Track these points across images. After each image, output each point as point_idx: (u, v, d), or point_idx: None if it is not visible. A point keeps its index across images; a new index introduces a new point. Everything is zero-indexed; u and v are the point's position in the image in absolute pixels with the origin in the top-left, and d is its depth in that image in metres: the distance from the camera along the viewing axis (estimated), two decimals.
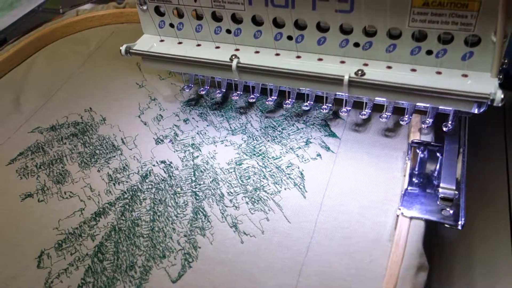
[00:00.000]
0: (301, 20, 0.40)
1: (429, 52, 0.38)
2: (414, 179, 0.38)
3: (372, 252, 0.35)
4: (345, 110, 0.44)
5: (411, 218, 0.35)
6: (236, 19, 0.43)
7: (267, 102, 0.46)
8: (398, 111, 0.43)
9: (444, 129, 0.40)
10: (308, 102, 0.46)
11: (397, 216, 0.36)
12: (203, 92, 0.49)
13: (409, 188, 0.37)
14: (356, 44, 0.39)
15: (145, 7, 0.45)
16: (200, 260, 0.36)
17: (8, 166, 0.45)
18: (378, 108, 0.44)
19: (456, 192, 0.36)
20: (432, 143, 0.40)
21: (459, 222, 0.34)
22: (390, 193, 0.38)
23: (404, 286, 0.31)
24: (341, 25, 0.39)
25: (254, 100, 0.47)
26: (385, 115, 0.42)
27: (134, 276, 0.35)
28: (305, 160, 0.43)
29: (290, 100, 0.46)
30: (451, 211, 0.35)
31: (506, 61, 0.37)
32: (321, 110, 0.46)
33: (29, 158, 0.46)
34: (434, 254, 0.38)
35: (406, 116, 0.42)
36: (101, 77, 0.56)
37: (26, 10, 0.67)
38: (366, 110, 0.43)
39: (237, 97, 0.47)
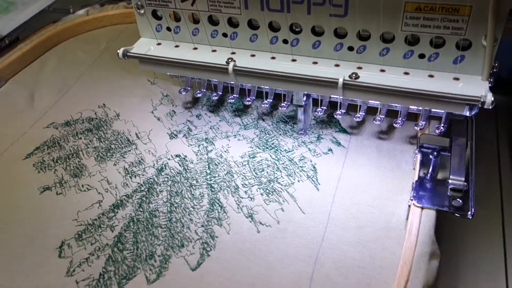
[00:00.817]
0: (297, 24, 0.41)
1: (422, 56, 0.38)
2: (424, 171, 0.39)
3: (385, 241, 0.36)
4: (340, 113, 0.44)
5: (422, 208, 0.36)
6: (232, 23, 0.43)
7: (262, 105, 0.47)
8: (392, 114, 0.44)
9: (437, 131, 0.41)
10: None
11: (409, 206, 0.37)
12: (200, 95, 0.50)
13: (419, 179, 0.38)
14: (350, 48, 0.40)
15: (142, 11, 0.45)
16: (218, 249, 0.37)
17: (25, 160, 0.46)
18: (372, 111, 0.44)
19: (465, 183, 0.37)
20: (440, 137, 0.41)
21: (469, 212, 0.36)
22: (400, 185, 0.40)
23: (418, 272, 0.32)
24: (336, 29, 0.39)
25: (250, 103, 0.47)
26: (379, 118, 0.43)
27: (154, 264, 0.36)
28: (317, 155, 0.44)
29: (285, 103, 0.46)
30: (461, 202, 0.36)
31: (496, 64, 0.38)
32: (316, 113, 0.46)
33: (46, 153, 0.47)
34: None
35: (399, 119, 0.42)
36: (112, 75, 0.57)
37: (22, 13, 0.68)
38: (360, 113, 0.44)
39: (233, 100, 0.48)
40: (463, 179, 0.37)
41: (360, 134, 0.45)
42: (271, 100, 0.47)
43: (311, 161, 0.43)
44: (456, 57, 0.37)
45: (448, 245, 0.45)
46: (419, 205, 0.36)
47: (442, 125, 0.41)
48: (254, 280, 0.35)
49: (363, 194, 0.40)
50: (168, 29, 0.46)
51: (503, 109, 0.60)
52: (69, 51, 0.62)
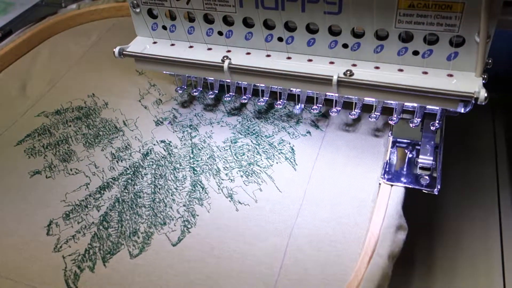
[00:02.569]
0: (291, 22, 0.41)
1: (416, 53, 0.38)
2: (395, 151, 0.41)
3: (357, 217, 0.38)
4: (335, 110, 0.44)
5: (392, 185, 0.38)
6: (227, 21, 0.44)
7: (258, 103, 0.47)
8: (388, 111, 0.44)
9: (432, 128, 0.41)
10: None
11: (379, 184, 0.39)
12: (196, 94, 0.50)
13: (390, 159, 0.40)
14: (345, 45, 0.40)
15: (138, 10, 0.46)
16: (198, 226, 0.39)
17: (17, 147, 0.48)
18: (367, 108, 0.45)
19: (434, 162, 0.39)
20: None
21: (435, 189, 0.37)
22: (374, 165, 0.42)
23: (384, 242, 0.34)
24: (330, 27, 0.40)
25: (246, 101, 0.48)
26: (374, 115, 0.43)
27: (137, 241, 0.38)
28: (295, 137, 0.46)
29: (281, 101, 0.47)
30: (429, 179, 0.38)
31: (490, 61, 0.38)
32: (312, 111, 0.46)
33: (36, 139, 0.49)
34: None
35: (395, 116, 0.43)
36: (102, 66, 0.59)
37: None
38: (355, 110, 0.44)
39: (229, 98, 0.48)
40: (432, 158, 0.39)
41: (338, 118, 0.47)
42: (267, 98, 0.47)
43: (289, 144, 0.45)
44: (449, 53, 0.37)
45: (446, 243, 0.47)
46: (389, 183, 0.38)
47: (437, 122, 0.41)
48: (232, 254, 0.36)
49: (338, 174, 0.42)
50: (164, 27, 0.46)
51: (500, 107, 0.61)
52: (61, 44, 0.64)
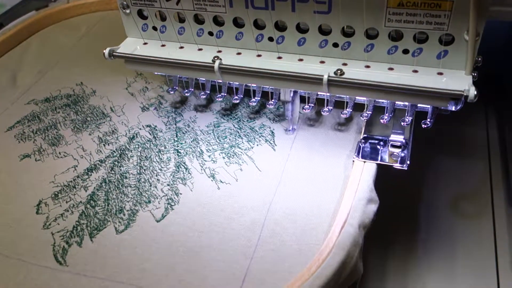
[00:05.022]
0: (281, 21, 0.41)
1: (406, 51, 0.39)
2: (368, 131, 0.43)
3: (332, 192, 0.40)
4: (327, 109, 0.45)
5: (364, 161, 0.40)
6: (218, 22, 0.44)
7: (250, 103, 0.48)
8: (380, 110, 0.45)
9: (424, 126, 0.41)
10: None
11: (353, 161, 0.41)
12: (188, 94, 0.50)
13: (363, 138, 0.42)
14: (335, 45, 0.40)
15: (128, 11, 0.45)
16: (181, 203, 0.41)
17: (7, 133, 0.50)
18: (359, 107, 0.45)
19: (404, 139, 0.41)
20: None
21: (405, 164, 0.40)
22: (348, 145, 0.44)
23: (356, 213, 0.36)
24: (320, 26, 0.40)
25: (237, 101, 0.48)
26: (366, 114, 0.44)
27: (123, 218, 0.40)
28: (275, 121, 0.48)
29: (273, 100, 0.47)
30: (400, 156, 0.40)
31: (480, 59, 0.39)
32: (303, 110, 0.46)
33: (26, 125, 0.51)
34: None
35: (386, 114, 0.43)
36: (90, 57, 0.61)
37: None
38: (347, 109, 0.44)
39: (221, 99, 0.49)
40: (402, 136, 0.42)
41: (319, 104, 0.49)
42: (259, 98, 0.48)
43: (269, 127, 0.47)
44: (439, 52, 0.38)
45: (439, 239, 0.48)
46: (362, 160, 0.40)
47: (429, 120, 0.41)
48: (212, 228, 0.38)
49: (315, 153, 0.44)
50: (154, 28, 0.46)
51: (492, 103, 0.62)
52: (51, 37, 0.66)
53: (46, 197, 0.42)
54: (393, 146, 0.41)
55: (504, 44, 0.66)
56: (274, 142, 0.45)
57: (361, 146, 0.42)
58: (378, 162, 0.40)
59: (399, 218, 0.51)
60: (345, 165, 0.42)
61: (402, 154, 0.41)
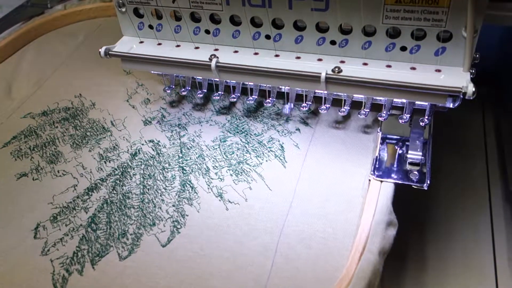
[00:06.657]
0: (278, 19, 0.41)
1: (403, 48, 0.38)
2: (384, 147, 0.41)
3: (347, 214, 0.38)
4: (325, 107, 0.44)
5: (381, 181, 0.38)
6: (214, 20, 0.43)
7: (247, 101, 0.47)
8: (377, 108, 0.44)
9: (421, 123, 0.41)
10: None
11: (369, 180, 0.39)
12: (185, 93, 0.49)
13: (380, 155, 0.40)
14: (333, 42, 0.40)
15: (123, 9, 0.45)
16: (188, 226, 0.38)
17: (2, 149, 0.47)
18: (357, 105, 0.45)
19: (423, 157, 0.39)
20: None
21: (425, 184, 0.37)
22: (363, 161, 0.42)
23: (375, 238, 0.34)
24: (318, 24, 0.40)
25: (235, 100, 0.47)
26: (364, 112, 0.43)
27: (126, 242, 0.38)
28: (285, 134, 0.46)
29: (270, 99, 0.46)
30: (418, 174, 0.38)
31: (477, 56, 0.38)
32: (301, 108, 0.46)
33: (23, 141, 0.48)
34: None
35: (384, 112, 0.42)
36: (89, 66, 0.58)
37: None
38: (345, 107, 0.44)
39: (218, 98, 0.48)
40: (421, 153, 0.39)
41: (328, 115, 0.47)
42: (256, 97, 0.47)
43: (279, 141, 0.45)
44: (437, 49, 0.37)
45: (437, 240, 0.47)
46: (378, 179, 0.38)
47: (426, 117, 0.41)
48: (222, 253, 0.36)
49: (328, 170, 0.41)
50: (150, 27, 0.46)
51: (489, 102, 0.62)
52: (47, 45, 0.63)
53: (45, 220, 0.40)
54: (411, 163, 0.39)
55: (502, 43, 0.65)
56: (284, 158, 0.43)
57: (377, 162, 0.40)
58: (396, 181, 0.38)
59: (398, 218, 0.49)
60: (360, 183, 0.40)
61: (421, 172, 0.39)
